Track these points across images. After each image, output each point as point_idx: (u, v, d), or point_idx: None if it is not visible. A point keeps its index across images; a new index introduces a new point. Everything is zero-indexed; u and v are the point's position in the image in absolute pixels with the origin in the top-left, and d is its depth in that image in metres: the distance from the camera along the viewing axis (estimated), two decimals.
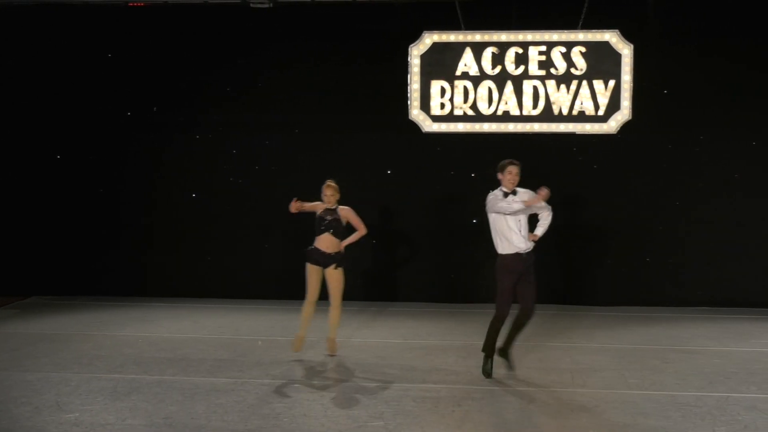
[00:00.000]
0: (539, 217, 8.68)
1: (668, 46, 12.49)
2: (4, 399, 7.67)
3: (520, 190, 8.46)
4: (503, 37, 10.92)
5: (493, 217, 8.51)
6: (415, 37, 10.98)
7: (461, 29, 11.02)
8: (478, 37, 10.93)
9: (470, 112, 10.98)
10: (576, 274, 13.03)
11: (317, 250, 9.20)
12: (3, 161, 13.67)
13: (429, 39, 10.96)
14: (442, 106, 11.00)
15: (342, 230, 9.28)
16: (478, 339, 10.41)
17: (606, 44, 10.76)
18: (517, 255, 8.39)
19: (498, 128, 11.07)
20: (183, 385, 8.17)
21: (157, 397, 7.73)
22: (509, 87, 10.89)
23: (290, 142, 13.30)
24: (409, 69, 10.98)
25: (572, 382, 8.44)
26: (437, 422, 7.08)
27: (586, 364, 9.21)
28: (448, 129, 11.13)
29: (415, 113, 11.03)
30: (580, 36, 10.80)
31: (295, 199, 9.18)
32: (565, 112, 10.87)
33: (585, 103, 10.82)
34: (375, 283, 13.39)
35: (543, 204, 8.49)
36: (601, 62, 10.76)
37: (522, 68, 10.89)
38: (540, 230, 8.66)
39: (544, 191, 8.29)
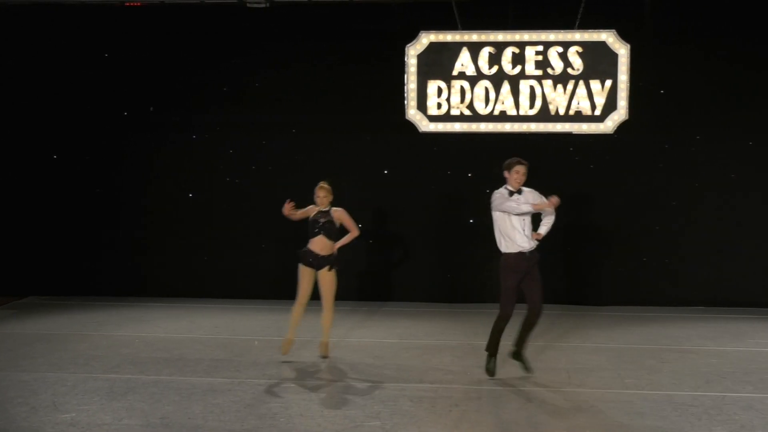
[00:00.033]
0: (542, 216, 8.67)
1: (665, 46, 12.51)
2: (1, 399, 7.66)
3: (525, 189, 8.46)
4: (500, 37, 10.90)
5: (497, 216, 8.46)
6: (411, 36, 10.98)
7: (458, 29, 11.01)
8: (474, 37, 10.91)
9: (467, 112, 10.97)
10: (572, 274, 13.04)
11: (311, 252, 9.16)
12: None
13: (426, 39, 10.95)
14: (439, 106, 10.99)
15: (335, 232, 9.22)
16: (475, 339, 10.44)
17: (603, 44, 10.75)
18: (520, 254, 8.36)
19: (495, 128, 11.05)
20: (180, 385, 8.17)
21: (154, 397, 7.72)
22: (506, 87, 10.88)
23: (287, 142, 13.30)
24: (406, 69, 10.97)
25: (569, 381, 8.44)
26: (434, 422, 7.08)
27: (583, 363, 9.21)
28: (445, 129, 11.11)
29: (412, 113, 11.01)
30: (577, 36, 10.80)
31: (288, 200, 9.13)
32: (561, 111, 10.86)
33: (582, 103, 10.81)
34: (371, 282, 13.39)
35: (550, 210, 8.50)
36: (598, 62, 10.75)
37: (519, 68, 10.87)
38: (543, 229, 8.65)
39: (555, 200, 8.30)
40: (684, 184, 12.89)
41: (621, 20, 11.22)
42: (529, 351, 8.89)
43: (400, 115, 11.12)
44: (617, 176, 12.94)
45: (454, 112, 10.99)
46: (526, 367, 8.60)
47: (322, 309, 9.22)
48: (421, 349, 9.95)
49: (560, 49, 10.81)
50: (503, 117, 10.97)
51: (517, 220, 8.37)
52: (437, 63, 10.96)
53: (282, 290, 12.34)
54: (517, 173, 8.40)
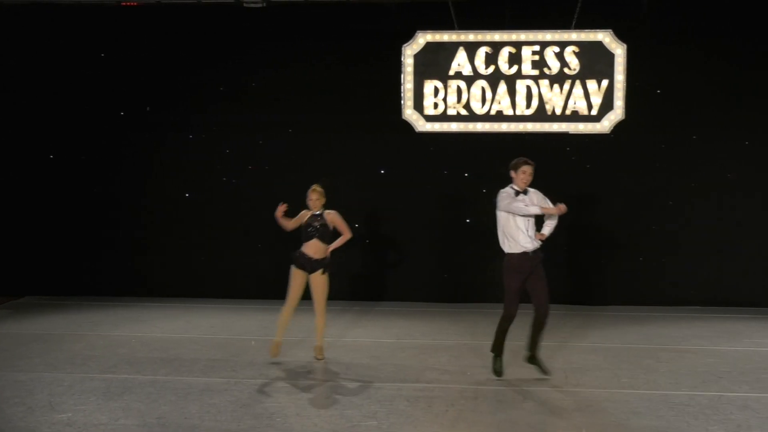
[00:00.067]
0: (545, 218, 8.64)
1: (661, 46, 12.53)
2: None
3: (530, 189, 8.44)
4: (496, 36, 10.91)
5: (501, 216, 8.41)
6: (408, 36, 10.98)
7: (455, 29, 11.01)
8: (471, 36, 10.92)
9: (463, 112, 10.97)
10: (569, 274, 13.05)
11: (304, 255, 9.11)
12: None
13: (422, 39, 10.95)
14: (436, 105, 10.99)
15: (329, 235, 9.18)
16: (472, 339, 10.46)
17: (599, 44, 10.75)
18: (524, 254, 8.34)
19: (491, 128, 11.06)
20: (176, 385, 8.16)
21: (150, 397, 7.71)
22: (502, 87, 10.89)
23: (284, 141, 13.30)
24: (403, 69, 10.97)
25: (565, 381, 8.45)
26: (430, 422, 7.08)
27: (580, 363, 9.22)
28: (442, 129, 11.11)
29: (409, 113, 11.02)
30: (574, 36, 10.80)
31: (281, 203, 9.07)
32: (558, 111, 10.87)
33: (578, 103, 10.82)
34: (367, 282, 13.40)
35: (555, 215, 8.49)
36: (595, 62, 10.76)
37: (515, 68, 10.88)
38: (547, 229, 8.60)
39: (563, 207, 8.28)
40: (681, 184, 12.90)
41: (617, 20, 11.24)
42: (523, 351, 8.88)
43: (397, 115, 11.13)
44: (614, 176, 12.95)
45: (451, 111, 11.00)
46: (543, 370, 8.51)
47: (315, 313, 9.18)
48: (418, 348, 9.95)
49: (557, 49, 10.82)
50: (500, 117, 10.97)
51: (521, 221, 8.33)
52: (434, 63, 10.96)
53: (279, 290, 12.21)
54: (523, 173, 8.37)
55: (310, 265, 9.07)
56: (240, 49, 13.27)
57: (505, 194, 8.41)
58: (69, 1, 12.24)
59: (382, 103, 12.08)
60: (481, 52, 10.90)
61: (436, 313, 12.38)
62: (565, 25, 10.86)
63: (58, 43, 13.41)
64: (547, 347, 9.83)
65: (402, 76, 10.98)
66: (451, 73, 10.94)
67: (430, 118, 11.04)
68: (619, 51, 10.71)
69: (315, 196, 9.12)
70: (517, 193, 8.38)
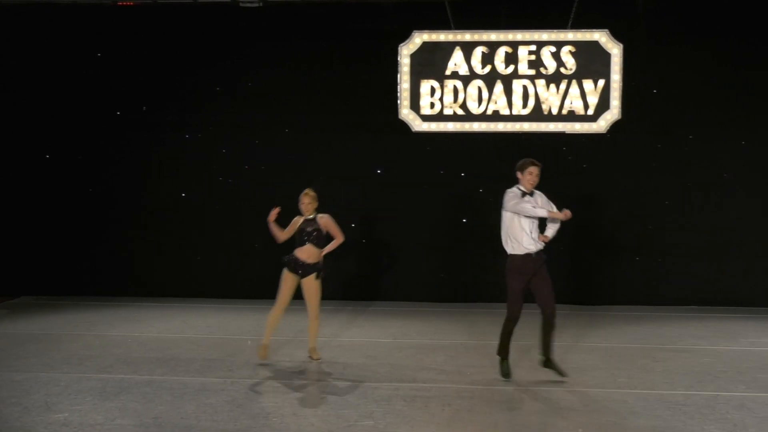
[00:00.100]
0: (547, 220, 8.58)
1: (658, 46, 12.54)
2: None
3: (535, 191, 8.42)
4: (493, 36, 10.91)
5: (507, 216, 8.36)
6: (404, 36, 10.97)
7: (451, 29, 11.01)
8: (467, 36, 10.92)
9: (460, 112, 10.97)
10: (565, 273, 13.02)
11: (298, 260, 9.07)
12: None
13: (419, 38, 10.95)
14: (432, 105, 10.99)
15: (323, 240, 9.14)
16: (468, 338, 10.47)
17: (595, 44, 10.76)
18: (527, 256, 8.30)
19: (488, 128, 11.05)
20: (172, 384, 8.15)
21: (147, 397, 7.71)
22: (499, 86, 10.89)
23: (280, 141, 13.30)
24: (399, 68, 10.97)
25: (562, 381, 8.43)
26: (427, 421, 7.08)
27: (576, 363, 9.21)
28: (438, 128, 11.11)
29: (405, 113, 11.01)
30: (570, 36, 10.80)
31: (274, 207, 9.04)
32: (554, 111, 10.87)
33: (574, 103, 10.82)
34: (363, 282, 13.40)
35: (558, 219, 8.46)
36: (591, 62, 10.76)
37: (512, 68, 10.88)
38: (550, 232, 8.54)
39: (568, 213, 8.23)
40: (677, 183, 12.92)
41: (614, 20, 11.25)
42: (523, 351, 8.92)
43: (393, 115, 11.12)
44: (610, 176, 12.96)
45: (447, 111, 10.99)
46: (560, 372, 8.43)
47: (309, 317, 9.15)
48: (415, 348, 9.95)
49: (553, 49, 10.82)
50: (496, 116, 10.97)
51: (526, 223, 8.29)
52: (430, 62, 10.96)
53: (275, 290, 12.31)
54: (530, 174, 8.33)
55: (303, 270, 9.04)
56: (236, 49, 13.26)
57: (512, 194, 8.35)
58: (65, 0, 12.23)
59: (378, 103, 12.09)
60: (478, 52, 10.90)
61: (432, 312, 12.38)
62: (561, 25, 10.86)
63: (55, 42, 13.40)
64: None
65: (398, 75, 10.98)
66: (448, 72, 10.94)
67: (426, 118, 11.03)
68: (615, 51, 10.71)
69: (307, 200, 9.08)
70: (524, 194, 8.35)
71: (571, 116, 10.88)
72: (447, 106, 10.98)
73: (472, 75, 10.93)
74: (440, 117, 11.02)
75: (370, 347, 10.01)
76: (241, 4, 11.88)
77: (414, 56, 10.96)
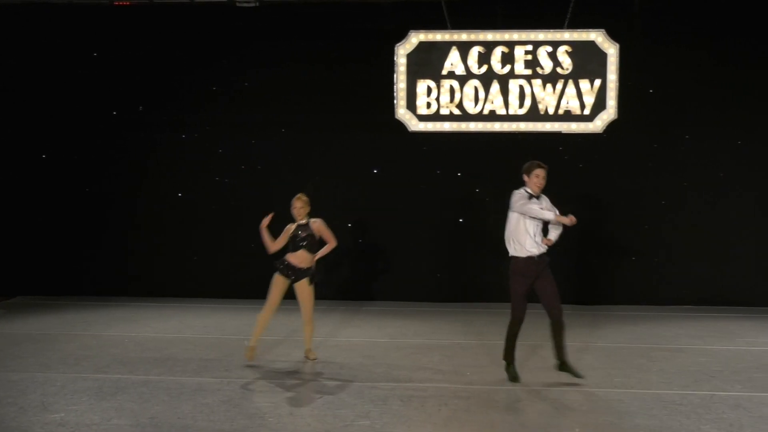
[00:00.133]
0: (550, 223, 8.58)
1: (654, 45, 12.56)
2: None
3: (542, 195, 8.41)
4: (489, 36, 10.91)
5: (513, 217, 8.35)
6: (401, 36, 10.97)
7: (447, 29, 11.01)
8: (464, 36, 10.92)
9: (456, 112, 10.97)
10: (561, 273, 12.98)
11: (290, 264, 9.06)
12: None
13: (415, 38, 10.95)
14: (429, 105, 10.98)
15: (316, 244, 9.13)
16: (465, 338, 10.47)
17: (592, 44, 10.76)
18: (529, 258, 8.28)
19: (484, 127, 11.05)
20: (169, 384, 8.15)
21: (143, 397, 7.70)
22: (495, 86, 10.89)
23: (277, 141, 13.30)
24: (396, 68, 10.96)
25: (558, 380, 8.44)
26: (424, 421, 7.08)
27: (573, 363, 9.20)
28: (435, 128, 11.11)
29: (402, 112, 11.01)
30: (566, 35, 10.81)
31: (269, 213, 9.03)
32: (551, 111, 10.87)
33: (571, 103, 10.83)
34: (359, 281, 13.40)
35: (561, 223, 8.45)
36: (587, 62, 10.77)
37: (508, 67, 10.88)
38: (553, 235, 8.51)
39: (574, 219, 8.22)
40: (673, 183, 12.94)
41: (610, 20, 11.25)
42: (519, 351, 8.90)
43: (390, 115, 11.12)
44: (606, 175, 12.98)
45: (444, 111, 10.99)
46: (576, 374, 8.39)
47: (303, 321, 9.14)
48: (411, 348, 9.95)
49: (549, 49, 10.82)
50: (492, 116, 10.97)
51: (531, 226, 8.28)
52: (427, 62, 10.96)
53: None
54: (537, 177, 8.32)
55: (295, 274, 9.03)
56: (233, 49, 13.27)
57: (519, 195, 8.34)
58: (62, 0, 12.21)
59: (375, 103, 12.07)
60: (474, 52, 10.90)
61: (429, 312, 12.39)
62: (557, 25, 10.86)
63: (52, 42, 13.39)
64: (539, 347, 9.87)
65: (395, 75, 10.97)
66: (444, 72, 10.94)
67: (423, 118, 11.03)
68: (611, 50, 10.72)
69: (299, 205, 9.07)
70: (531, 196, 8.33)
71: (568, 116, 10.87)
72: (443, 106, 10.98)
73: (469, 75, 10.93)
74: (437, 117, 11.02)
75: (366, 347, 10.01)
76: (237, 4, 11.87)
77: (410, 56, 10.95)
